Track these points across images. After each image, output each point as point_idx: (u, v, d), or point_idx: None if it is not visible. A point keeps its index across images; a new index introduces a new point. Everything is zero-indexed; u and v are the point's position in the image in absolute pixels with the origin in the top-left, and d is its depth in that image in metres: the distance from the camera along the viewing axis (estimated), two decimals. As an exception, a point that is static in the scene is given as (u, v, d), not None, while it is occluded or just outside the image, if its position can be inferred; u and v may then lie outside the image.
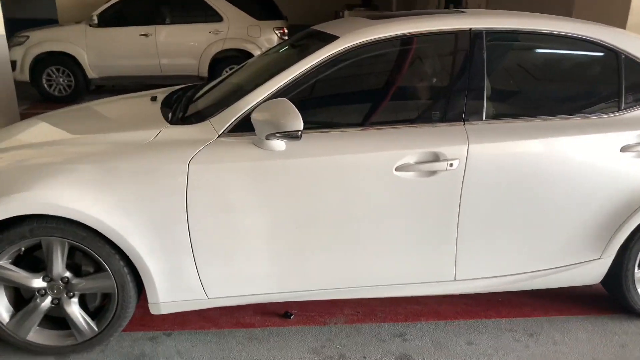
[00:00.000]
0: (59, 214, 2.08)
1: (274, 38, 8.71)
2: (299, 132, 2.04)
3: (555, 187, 2.30)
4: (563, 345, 2.43)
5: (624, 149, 2.31)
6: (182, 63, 8.63)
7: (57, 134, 2.46)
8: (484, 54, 2.31)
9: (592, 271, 2.49)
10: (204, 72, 8.65)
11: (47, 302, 2.26)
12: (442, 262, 2.37)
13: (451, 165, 2.20)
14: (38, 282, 2.23)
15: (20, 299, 2.32)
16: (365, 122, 2.28)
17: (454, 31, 2.33)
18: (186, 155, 2.13)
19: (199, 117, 2.31)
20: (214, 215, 2.16)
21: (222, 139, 2.19)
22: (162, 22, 8.49)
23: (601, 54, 2.42)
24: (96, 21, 8.22)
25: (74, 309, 2.27)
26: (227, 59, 8.65)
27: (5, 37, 4.79)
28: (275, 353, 2.36)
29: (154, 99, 2.82)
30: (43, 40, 8.13)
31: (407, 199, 2.24)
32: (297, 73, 2.24)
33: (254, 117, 2.10)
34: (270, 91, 2.22)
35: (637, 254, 2.47)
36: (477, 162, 2.22)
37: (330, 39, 2.35)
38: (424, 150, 2.20)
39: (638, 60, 2.39)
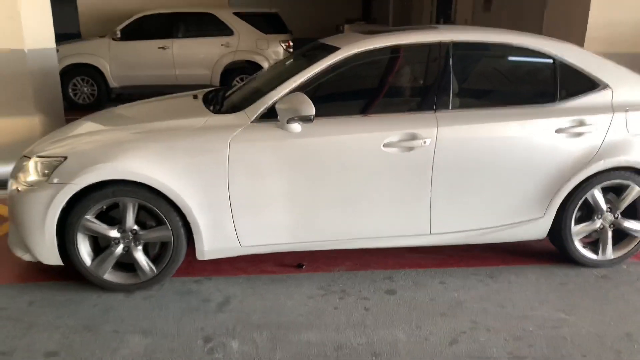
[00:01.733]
0: (134, 179, 2.82)
1: (280, 50, 9.48)
2: (312, 117, 2.76)
3: (505, 159, 3.02)
4: (516, 284, 3.13)
5: (558, 130, 3.03)
6: (196, 73, 9.39)
7: (121, 122, 3.20)
8: (451, 60, 3.05)
9: (538, 227, 3.20)
10: (216, 81, 9.41)
11: (119, 249, 2.97)
12: (420, 219, 3.08)
13: (425, 142, 2.93)
14: (114, 233, 2.95)
15: (97, 246, 3.03)
16: (360, 111, 3.02)
17: (427, 43, 3.07)
18: (227, 135, 2.87)
19: (236, 108, 3.03)
20: (247, 179, 2.88)
21: (254, 124, 2.92)
22: (179, 36, 9.27)
23: (542, 59, 3.15)
24: (119, 35, 9.03)
25: (140, 255, 2.98)
26: (237, 70, 9.42)
27: (55, 50, 5.56)
28: (292, 290, 3.06)
29: (195, 97, 3.56)
30: (71, 54, 8.92)
31: (391, 169, 2.96)
32: (309, 75, 2.98)
33: (278, 106, 2.83)
34: (289, 88, 2.95)
35: (573, 213, 3.18)
36: (445, 141, 2.95)
37: (333, 49, 3.08)
38: (404, 132, 2.93)
39: (568, 64, 3.13)
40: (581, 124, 3.04)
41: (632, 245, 3.28)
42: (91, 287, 3.05)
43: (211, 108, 3.19)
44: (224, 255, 3.07)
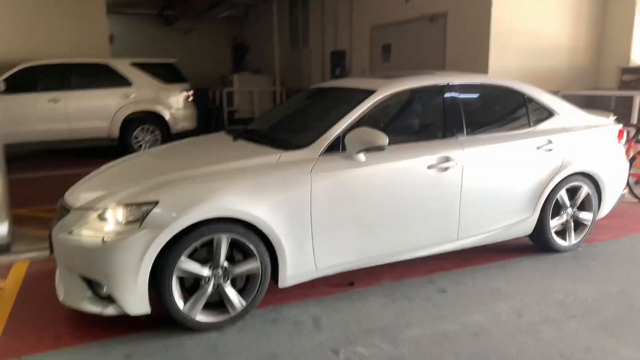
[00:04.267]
0: (232, 215, 2.99)
1: (180, 99, 9.55)
2: (385, 146, 3.26)
3: (509, 171, 3.84)
4: (525, 270, 3.92)
5: (538, 147, 3.97)
6: (93, 126, 8.98)
7: (176, 166, 3.30)
8: (459, 97, 3.82)
9: (527, 225, 4.07)
10: (115, 133, 9.11)
11: (210, 287, 3.06)
12: (452, 227, 3.73)
13: (456, 163, 3.61)
14: (206, 272, 3.03)
15: (182, 288, 3.07)
16: (403, 140, 3.58)
17: (440, 85, 3.81)
18: (307, 168, 3.21)
19: (302, 144, 3.36)
20: (325, 206, 3.24)
21: (322, 157, 3.30)
22: (71, 88, 8.80)
23: (514, 95, 4.09)
24: (2, 88, 8.25)
25: (230, 290, 3.10)
26: (137, 120, 9.24)
27: None
28: (363, 302, 3.43)
29: (235, 139, 3.78)
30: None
31: (433, 187, 3.58)
32: (357, 113, 3.47)
33: (349, 139, 3.27)
34: (343, 126, 3.40)
35: (550, 210, 4.12)
36: (468, 160, 3.66)
37: (369, 91, 3.63)
38: (440, 155, 3.58)
39: (532, 97, 4.12)
40: (550, 142, 4.02)
41: (585, 232, 4.34)
42: (178, 330, 3.06)
43: (268, 145, 3.48)
44: (302, 280, 3.33)
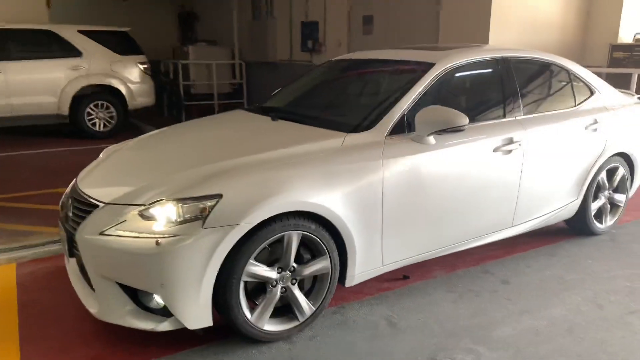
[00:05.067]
0: (306, 209, 2.54)
1: (136, 72, 8.67)
2: (464, 126, 2.91)
3: (560, 153, 3.63)
4: (572, 255, 3.77)
5: (586, 127, 3.79)
6: (38, 102, 7.96)
7: (216, 153, 2.79)
8: (514, 73, 3.53)
9: (572, 208, 3.91)
10: (65, 110, 8.14)
11: (278, 291, 2.61)
12: (509, 213, 3.47)
13: (520, 144, 3.34)
14: (274, 274, 2.58)
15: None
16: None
17: (498, 58, 3.49)
18: (378, 152, 2.80)
19: (364, 125, 2.94)
20: (396, 195, 2.85)
21: (389, 140, 2.90)
22: (11, 58, 7.71)
23: (561, 71, 3.87)
24: None
25: (297, 293, 2.67)
26: (90, 96, 8.30)
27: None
28: (427, 298, 3.11)
29: (274, 118, 3.27)
30: None
31: (497, 171, 3.29)
32: (420, 89, 3.08)
33: (421, 119, 2.89)
34: (407, 104, 3.01)
35: (592, 193, 3.98)
36: (529, 141, 3.40)
37: (427, 64, 3.25)
38: (504, 136, 3.29)
39: (576, 75, 3.92)
40: (595, 122, 3.85)
41: (618, 213, 4.26)
42: (240, 343, 2.60)
43: (318, 126, 3.03)
44: (368, 277, 2.95)
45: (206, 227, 2.34)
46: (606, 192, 4.13)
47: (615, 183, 4.16)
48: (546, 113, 3.64)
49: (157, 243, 2.32)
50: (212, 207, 2.37)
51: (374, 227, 2.82)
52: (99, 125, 8.43)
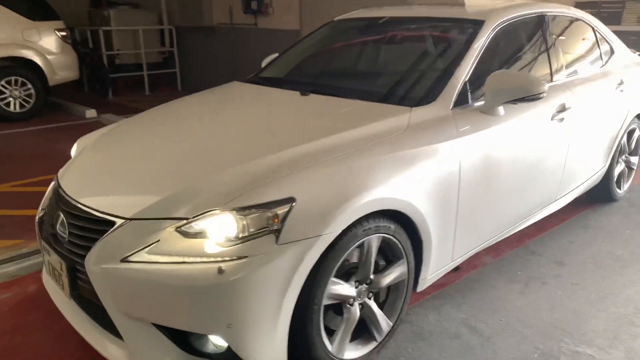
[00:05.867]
0: (393, 207, 2.03)
1: (53, 41, 7.44)
2: (544, 95, 2.48)
3: (599, 116, 3.35)
4: (603, 225, 3.56)
5: (615, 88, 3.54)
6: None
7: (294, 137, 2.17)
8: (555, 31, 3.17)
9: (600, 175, 3.68)
10: (-33, 88, 6.82)
11: (357, 310, 2.10)
12: (555, 186, 3.15)
13: (571, 110, 3.00)
14: (353, 291, 2.06)
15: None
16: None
17: (541, 14, 3.10)
18: (452, 129, 2.32)
19: (424, 98, 2.43)
20: (472, 180, 2.40)
21: (455, 113, 2.43)
22: None
23: (588, 29, 3.56)
24: None
25: (375, 309, 2.17)
26: (1, 71, 7.01)
27: None
28: (494, 293, 2.74)
29: (304, 92, 2.66)
30: None
31: (553, 140, 2.94)
32: (477, 51, 2.62)
33: (494, 86, 2.43)
34: (467, 69, 2.53)
35: (617, 160, 3.78)
36: (576, 106, 3.07)
37: (474, 21, 2.78)
38: (558, 103, 2.93)
39: (600, 32, 3.64)
40: (622, 82, 3.61)
41: (632, 176, 4.12)
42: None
43: (363, 99, 2.49)
44: (438, 277, 2.50)
45: (281, 243, 1.76)
46: (624, 156, 3.96)
47: (632, 145, 4.00)
48: (584, 74, 3.34)
49: (220, 270, 1.71)
50: (285, 216, 1.79)
51: (449, 218, 2.36)
52: (14, 105, 7.18)
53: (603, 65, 3.59)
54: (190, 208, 1.82)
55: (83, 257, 1.88)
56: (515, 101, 2.48)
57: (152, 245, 1.79)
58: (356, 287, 2.07)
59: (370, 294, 2.15)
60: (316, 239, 1.80)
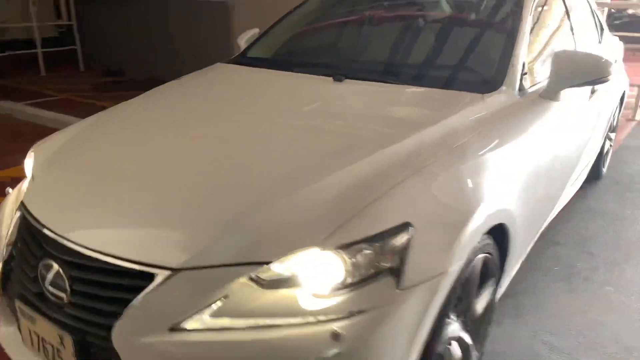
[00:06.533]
0: (503, 220, 1.65)
1: None
2: (609, 77, 2.19)
3: (606, 89, 3.11)
4: (591, 208, 3.48)
5: (615, 62, 3.41)
6: None
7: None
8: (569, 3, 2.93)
9: (597, 152, 3.56)
10: None
11: (457, 351, 1.69)
12: (573, 171, 2.93)
13: (597, 88, 2.80)
14: (460, 328, 1.65)
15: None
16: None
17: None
18: (527, 118, 1.99)
19: (493, 82, 2.04)
20: (543, 171, 2.10)
21: (521, 99, 2.08)
22: None
23: (586, 5, 3.37)
24: None
25: (469, 341, 1.77)
26: None
27: None
28: (538, 295, 2.49)
29: (338, 79, 2.13)
30: None
31: (585, 120, 2.74)
32: (527, 26, 2.26)
33: (561, 68, 2.11)
34: (523, 48, 2.17)
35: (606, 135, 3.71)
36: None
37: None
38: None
39: (592, 6, 3.47)
40: (616, 61, 3.51)
41: (610, 154, 4.10)
42: None
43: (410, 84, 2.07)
44: (505, 287, 2.17)
45: (403, 288, 1.30)
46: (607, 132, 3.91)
47: (615, 122, 3.96)
48: (595, 48, 3.16)
49: (336, 336, 1.21)
50: (404, 249, 1.32)
51: (526, 220, 2.02)
52: None
53: (601, 42, 3.45)
54: (271, 247, 1.29)
55: (105, 327, 1.29)
56: (586, 84, 2.18)
57: (217, 304, 1.25)
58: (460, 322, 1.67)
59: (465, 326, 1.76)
60: (442, 276, 1.36)
